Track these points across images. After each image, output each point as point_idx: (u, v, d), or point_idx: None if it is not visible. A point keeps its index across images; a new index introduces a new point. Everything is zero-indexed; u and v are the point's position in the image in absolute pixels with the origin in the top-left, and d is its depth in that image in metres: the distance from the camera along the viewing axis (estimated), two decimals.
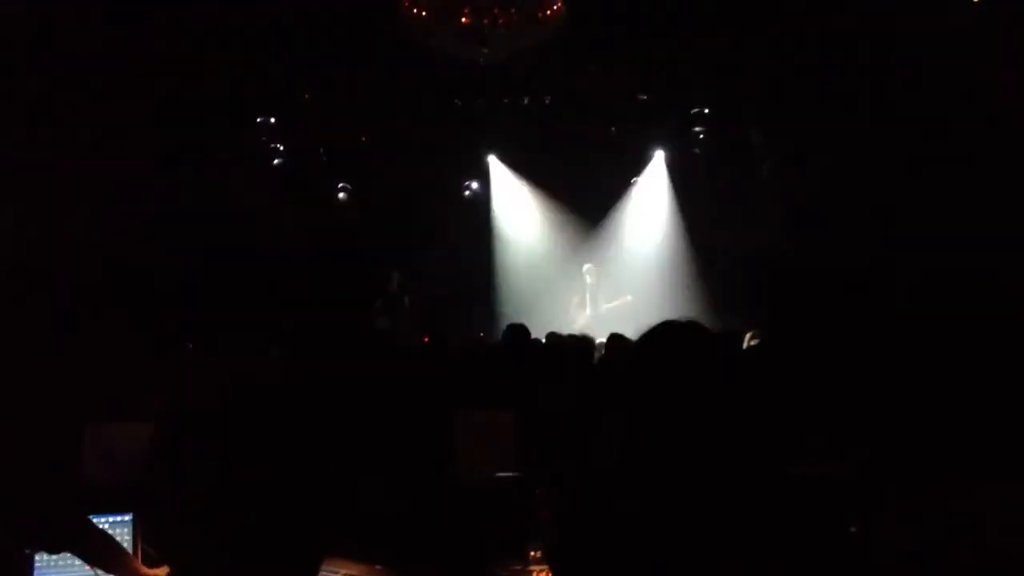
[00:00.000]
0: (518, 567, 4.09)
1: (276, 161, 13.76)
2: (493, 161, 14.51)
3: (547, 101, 12.84)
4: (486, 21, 9.37)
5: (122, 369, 7.05)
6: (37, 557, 4.10)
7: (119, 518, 4.43)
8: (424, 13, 9.37)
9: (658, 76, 12.07)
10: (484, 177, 14.65)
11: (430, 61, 10.68)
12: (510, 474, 4.87)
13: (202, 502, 2.78)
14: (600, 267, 13.48)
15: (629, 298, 12.84)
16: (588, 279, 13.16)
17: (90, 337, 8.73)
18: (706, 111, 13.18)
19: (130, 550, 4.27)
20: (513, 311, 13.29)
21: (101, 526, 4.36)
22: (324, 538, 2.69)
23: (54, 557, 4.20)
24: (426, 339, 10.28)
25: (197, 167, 11.92)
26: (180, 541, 2.89)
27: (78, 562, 4.18)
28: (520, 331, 7.31)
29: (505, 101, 12.91)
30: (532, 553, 4.08)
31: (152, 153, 11.03)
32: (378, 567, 4.07)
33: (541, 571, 4.00)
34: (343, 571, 3.91)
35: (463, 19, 9.44)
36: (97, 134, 10.23)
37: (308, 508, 2.83)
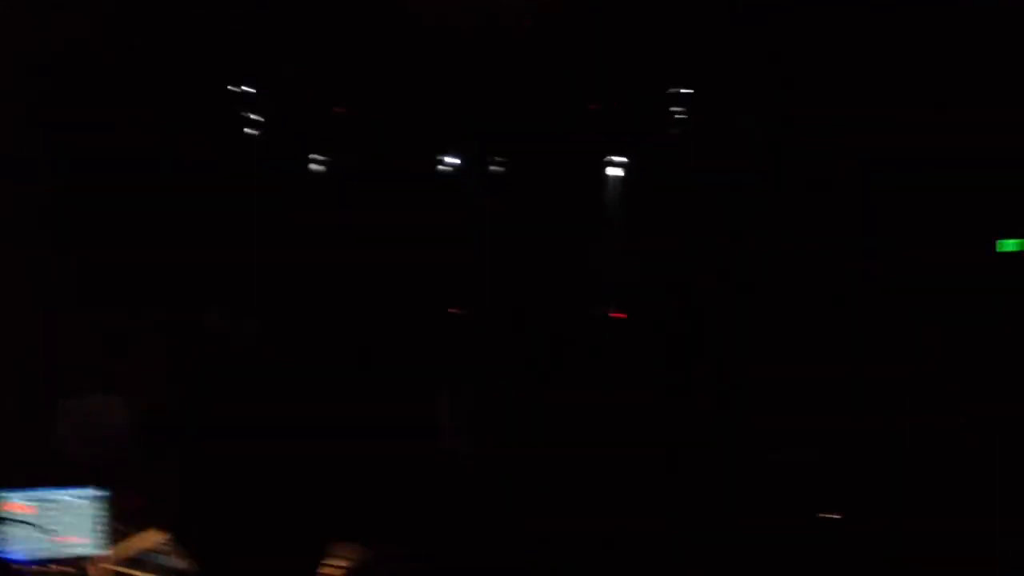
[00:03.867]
0: None
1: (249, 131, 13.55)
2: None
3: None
4: None
5: (93, 341, 6.93)
6: None
7: (92, 492, 4.33)
8: None
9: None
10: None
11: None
12: None
13: (178, 476, 2.71)
14: None
15: None
16: None
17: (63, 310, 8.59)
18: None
19: (102, 524, 4.18)
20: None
21: (73, 500, 4.26)
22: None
23: (23, 531, 4.10)
24: None
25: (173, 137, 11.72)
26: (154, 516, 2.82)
27: (46, 536, 4.08)
28: None
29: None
30: None
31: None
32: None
33: None
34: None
35: None
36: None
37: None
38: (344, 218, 13.75)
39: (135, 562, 4.53)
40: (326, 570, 3.92)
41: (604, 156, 14.27)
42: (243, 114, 13.16)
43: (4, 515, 4.14)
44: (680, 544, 5.02)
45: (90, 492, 4.32)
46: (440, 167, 14.39)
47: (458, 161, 14.36)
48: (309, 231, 13.99)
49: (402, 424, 4.72)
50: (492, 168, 14.38)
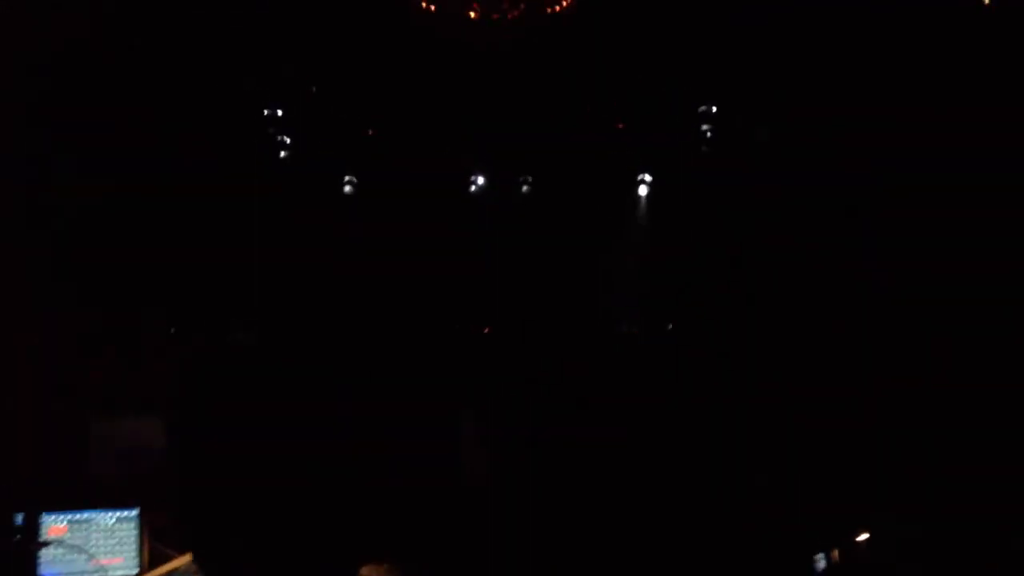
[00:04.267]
0: None
1: (283, 154, 13.71)
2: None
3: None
4: (495, 16, 9.32)
5: (125, 363, 7.03)
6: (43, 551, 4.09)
7: (125, 513, 4.41)
8: (432, 7, 9.32)
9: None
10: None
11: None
12: None
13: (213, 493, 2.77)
14: None
15: None
16: None
17: (94, 331, 8.71)
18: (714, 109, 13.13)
19: (136, 544, 4.25)
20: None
21: (107, 521, 4.35)
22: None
23: (60, 551, 4.18)
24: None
25: (201, 160, 11.90)
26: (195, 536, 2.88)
27: (83, 556, 4.16)
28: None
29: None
30: None
31: (155, 143, 10.95)
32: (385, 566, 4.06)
33: None
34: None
35: (472, 13, 9.39)
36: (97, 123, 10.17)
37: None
38: (367, 235, 13.89)
39: None
40: None
41: (632, 173, 14.32)
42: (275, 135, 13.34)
43: (42, 537, 4.24)
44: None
45: (126, 513, 4.40)
46: (467, 185, 14.47)
47: (481, 180, 14.44)
48: (335, 247, 14.15)
49: (423, 444, 4.75)
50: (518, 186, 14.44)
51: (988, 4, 9.81)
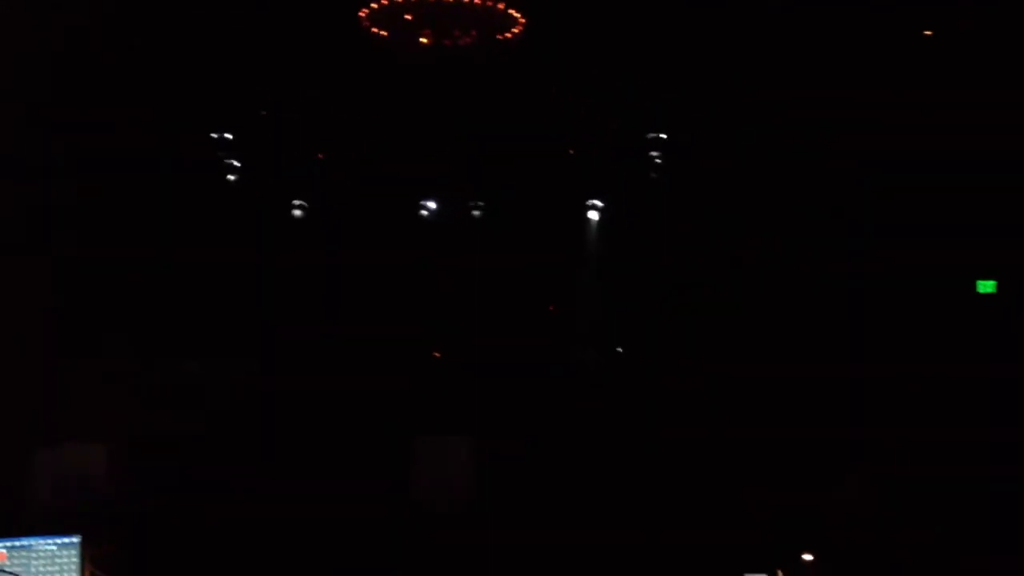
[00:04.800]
0: None
1: (231, 177, 13.65)
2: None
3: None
4: (447, 42, 9.39)
5: (69, 388, 6.92)
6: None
7: (66, 540, 4.34)
8: (385, 33, 9.37)
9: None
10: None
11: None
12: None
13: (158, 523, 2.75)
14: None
15: None
16: None
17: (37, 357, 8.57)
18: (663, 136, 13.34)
19: (77, 573, 4.19)
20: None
21: (47, 548, 4.28)
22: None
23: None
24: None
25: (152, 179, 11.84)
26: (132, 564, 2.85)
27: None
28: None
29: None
30: None
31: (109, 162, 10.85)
32: None
33: None
34: None
35: (423, 40, 9.45)
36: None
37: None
38: (326, 260, 13.86)
39: None
40: None
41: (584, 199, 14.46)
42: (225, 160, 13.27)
43: None
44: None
45: (67, 540, 4.33)
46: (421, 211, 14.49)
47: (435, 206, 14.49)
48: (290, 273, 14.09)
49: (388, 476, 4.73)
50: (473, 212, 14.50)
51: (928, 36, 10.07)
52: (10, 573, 4.13)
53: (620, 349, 11.34)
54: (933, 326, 9.55)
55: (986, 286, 10.37)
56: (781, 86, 10.44)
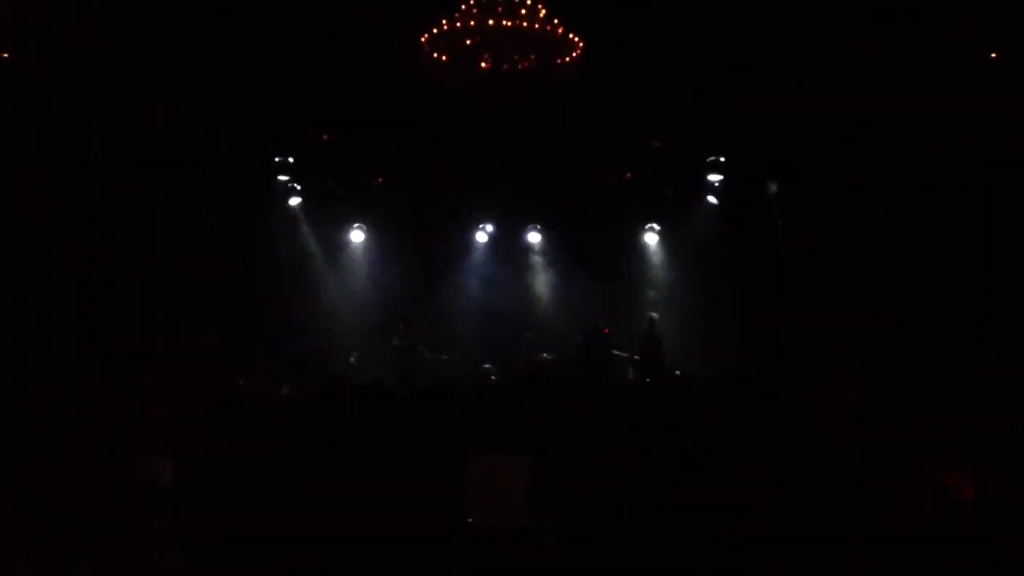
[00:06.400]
0: None
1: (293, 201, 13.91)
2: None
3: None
4: (505, 67, 9.45)
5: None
6: None
7: None
8: (444, 57, 9.46)
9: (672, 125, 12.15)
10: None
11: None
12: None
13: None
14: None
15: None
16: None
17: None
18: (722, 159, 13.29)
19: None
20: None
21: None
22: None
23: None
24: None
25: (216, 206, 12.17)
26: None
27: None
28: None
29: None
30: None
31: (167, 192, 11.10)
32: None
33: None
34: None
35: (483, 64, 9.52)
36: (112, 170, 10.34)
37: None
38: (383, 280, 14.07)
39: None
40: None
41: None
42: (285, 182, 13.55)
43: None
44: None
45: None
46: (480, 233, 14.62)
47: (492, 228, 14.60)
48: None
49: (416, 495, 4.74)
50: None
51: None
52: None
53: (678, 372, 11.24)
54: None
55: None
56: (845, 106, 10.36)
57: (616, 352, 13.02)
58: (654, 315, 13.04)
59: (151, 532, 4.40)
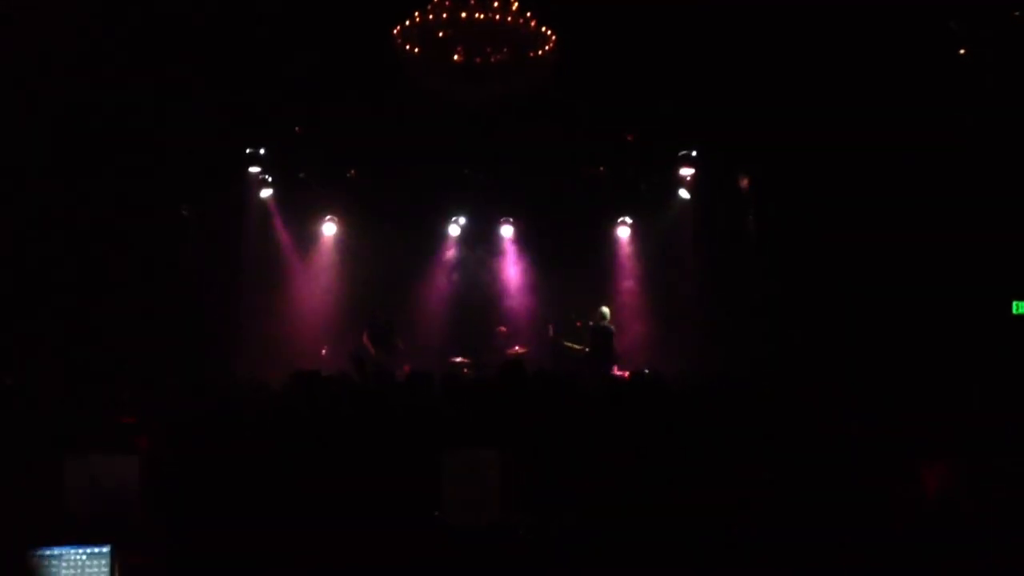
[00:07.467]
0: None
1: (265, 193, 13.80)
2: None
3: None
4: (478, 60, 9.40)
5: (100, 397, 6.99)
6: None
7: (96, 550, 4.37)
8: (417, 50, 9.40)
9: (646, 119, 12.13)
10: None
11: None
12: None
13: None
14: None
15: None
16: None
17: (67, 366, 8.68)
18: (693, 153, 13.30)
19: None
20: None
21: (78, 558, 4.31)
22: None
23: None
24: (407, 369, 10.30)
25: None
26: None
27: None
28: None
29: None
30: None
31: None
32: None
33: None
34: None
35: (456, 57, 9.47)
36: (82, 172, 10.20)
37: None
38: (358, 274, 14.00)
39: None
40: None
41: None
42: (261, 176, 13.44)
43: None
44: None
45: (97, 550, 4.36)
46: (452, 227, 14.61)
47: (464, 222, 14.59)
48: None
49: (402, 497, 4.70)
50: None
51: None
52: None
53: (647, 371, 11.28)
54: None
55: None
56: (817, 106, 10.35)
57: (568, 344, 13.19)
58: (604, 308, 13.13)
59: (117, 530, 4.35)
